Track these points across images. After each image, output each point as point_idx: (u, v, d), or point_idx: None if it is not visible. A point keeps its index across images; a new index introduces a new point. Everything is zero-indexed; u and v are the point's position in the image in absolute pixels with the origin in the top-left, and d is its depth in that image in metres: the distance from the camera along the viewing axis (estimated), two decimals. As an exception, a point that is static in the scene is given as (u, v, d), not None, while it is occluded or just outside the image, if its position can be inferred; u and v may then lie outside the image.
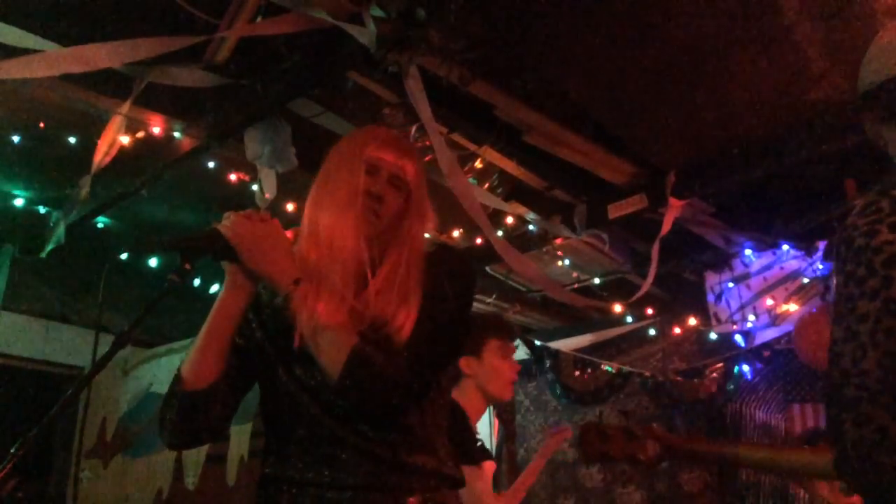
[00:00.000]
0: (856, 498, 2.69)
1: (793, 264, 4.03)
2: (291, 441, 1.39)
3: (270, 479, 1.39)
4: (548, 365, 5.31)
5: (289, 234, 1.45)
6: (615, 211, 3.59)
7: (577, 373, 5.14)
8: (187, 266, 1.32)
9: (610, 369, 4.87)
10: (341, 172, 1.46)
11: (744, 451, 1.77)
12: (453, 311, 1.43)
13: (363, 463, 1.34)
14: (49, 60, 2.41)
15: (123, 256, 4.05)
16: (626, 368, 4.78)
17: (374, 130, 1.56)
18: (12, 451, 1.01)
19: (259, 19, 2.50)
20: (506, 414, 5.45)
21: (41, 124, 3.13)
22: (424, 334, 1.36)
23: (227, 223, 1.38)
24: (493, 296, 4.67)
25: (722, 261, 4.32)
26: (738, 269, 4.27)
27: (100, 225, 4.02)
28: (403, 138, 1.59)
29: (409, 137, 2.97)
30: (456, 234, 4.04)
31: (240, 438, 3.77)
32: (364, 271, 1.41)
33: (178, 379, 1.41)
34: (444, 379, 1.50)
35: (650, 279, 3.70)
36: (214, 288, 4.44)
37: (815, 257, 3.89)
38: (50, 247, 3.62)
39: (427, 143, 2.95)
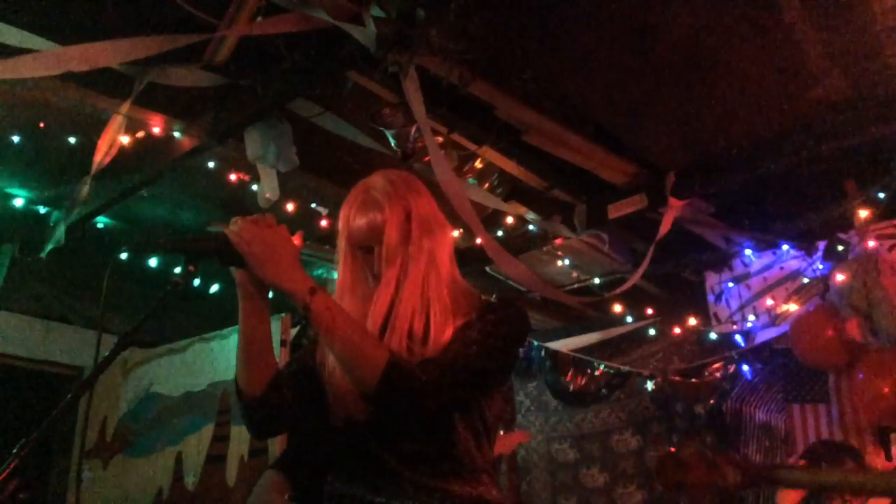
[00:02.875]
0: None
1: (793, 264, 4.03)
2: (353, 467, 1.44)
3: (335, 495, 1.45)
4: (547, 365, 5.31)
5: (296, 240, 1.45)
6: (615, 211, 3.60)
7: (577, 373, 5.14)
8: (192, 268, 1.31)
9: (610, 370, 4.87)
10: (339, 261, 1.56)
11: (832, 475, 1.77)
12: (494, 346, 1.43)
13: (407, 489, 1.38)
14: (49, 59, 2.41)
15: (123, 257, 4.05)
16: (626, 368, 4.78)
17: (349, 197, 1.57)
18: (14, 451, 1.01)
19: (259, 19, 2.50)
20: (506, 415, 5.46)
21: (41, 124, 3.13)
22: (456, 352, 1.38)
23: (235, 229, 1.37)
24: (494, 296, 4.66)
25: (722, 261, 4.31)
26: (738, 269, 4.27)
27: (100, 225, 4.01)
28: (375, 189, 1.55)
29: (409, 137, 2.97)
30: (456, 234, 4.05)
31: (240, 438, 3.77)
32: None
33: (237, 389, 1.49)
34: (486, 406, 1.49)
35: (639, 273, 3.71)
36: (214, 288, 4.46)
37: (815, 257, 3.89)
38: (50, 247, 3.62)
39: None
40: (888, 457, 3.62)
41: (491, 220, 4.00)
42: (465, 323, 1.45)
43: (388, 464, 1.40)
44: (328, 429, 1.51)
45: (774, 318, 4.06)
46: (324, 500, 1.48)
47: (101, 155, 2.90)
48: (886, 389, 3.35)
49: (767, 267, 4.16)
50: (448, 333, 1.43)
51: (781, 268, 4.09)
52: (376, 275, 1.50)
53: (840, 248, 3.69)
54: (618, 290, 3.90)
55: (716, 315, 4.37)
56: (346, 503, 1.43)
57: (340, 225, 1.56)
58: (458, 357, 1.37)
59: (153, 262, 4.24)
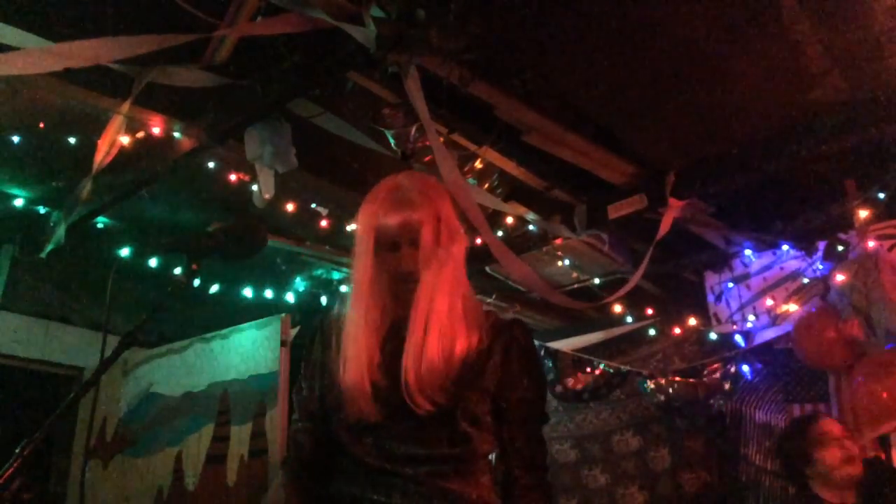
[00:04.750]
0: None
1: (793, 264, 4.03)
2: (355, 467, 1.49)
3: (337, 494, 1.50)
4: (548, 365, 5.31)
5: None
6: (615, 211, 3.59)
7: (577, 373, 5.14)
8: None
9: (610, 370, 4.87)
10: (361, 258, 1.54)
11: None
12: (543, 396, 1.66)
13: (409, 488, 1.44)
14: (47, 55, 2.40)
15: (124, 256, 4.04)
16: (626, 368, 4.78)
17: (377, 195, 1.56)
18: (17, 451, 1.01)
19: (259, 19, 2.50)
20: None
21: (41, 124, 3.12)
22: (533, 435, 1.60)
23: None
24: (494, 296, 4.67)
25: (722, 261, 4.31)
26: (738, 269, 4.27)
27: (100, 225, 4.01)
28: (407, 189, 1.56)
29: (409, 137, 2.97)
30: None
31: (240, 438, 3.77)
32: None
33: None
34: (494, 414, 1.58)
35: (638, 275, 3.70)
36: (214, 288, 4.46)
37: (815, 257, 3.89)
38: (50, 247, 3.61)
39: (427, 143, 2.95)
40: (889, 460, 3.62)
41: (491, 220, 4.00)
42: (489, 350, 1.54)
43: (391, 464, 1.45)
44: (339, 429, 1.53)
45: (774, 319, 4.06)
46: (325, 499, 1.51)
47: (101, 155, 2.90)
48: (885, 395, 3.34)
49: (767, 267, 4.15)
50: (461, 345, 1.49)
51: (781, 268, 4.09)
52: (402, 273, 1.51)
53: (840, 248, 3.69)
54: (618, 294, 3.90)
55: (716, 315, 4.37)
56: (346, 502, 1.47)
57: (365, 222, 1.54)
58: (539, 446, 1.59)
59: (153, 262, 4.24)
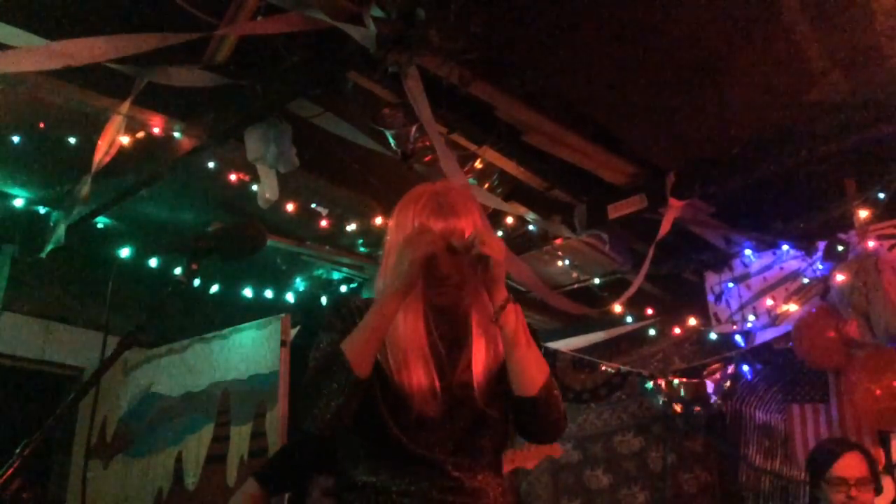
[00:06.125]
0: None
1: (793, 264, 4.03)
2: (380, 457, 1.52)
3: (360, 485, 1.52)
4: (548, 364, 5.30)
5: None
6: (615, 211, 3.60)
7: (577, 373, 5.14)
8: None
9: (609, 370, 4.87)
10: (399, 258, 1.51)
11: None
12: None
13: (440, 482, 1.49)
14: (47, 54, 2.40)
15: (125, 256, 4.04)
16: (626, 368, 4.78)
17: (419, 198, 1.58)
18: (17, 451, 1.01)
19: (259, 19, 2.50)
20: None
21: (41, 124, 3.13)
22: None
23: (488, 243, 1.47)
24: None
25: (722, 261, 4.31)
26: (738, 269, 4.27)
27: (100, 225, 4.01)
28: (451, 192, 1.62)
29: (409, 137, 2.97)
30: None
31: (240, 438, 3.77)
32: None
33: (354, 371, 1.44)
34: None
35: (640, 278, 3.70)
36: (214, 288, 4.46)
37: (815, 257, 3.89)
38: (50, 247, 3.61)
39: (427, 143, 2.95)
40: (888, 457, 3.63)
41: (491, 220, 3.99)
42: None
43: (415, 454, 1.49)
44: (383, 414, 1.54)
45: (774, 319, 4.06)
46: (349, 488, 1.52)
47: (101, 155, 2.90)
48: (879, 392, 3.35)
49: (767, 267, 4.15)
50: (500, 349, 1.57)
51: (781, 268, 4.09)
52: (438, 276, 1.54)
53: (840, 248, 3.69)
54: (622, 298, 3.90)
55: (716, 315, 4.37)
56: (370, 491, 1.49)
57: (407, 224, 1.56)
58: None
59: (153, 262, 4.24)
